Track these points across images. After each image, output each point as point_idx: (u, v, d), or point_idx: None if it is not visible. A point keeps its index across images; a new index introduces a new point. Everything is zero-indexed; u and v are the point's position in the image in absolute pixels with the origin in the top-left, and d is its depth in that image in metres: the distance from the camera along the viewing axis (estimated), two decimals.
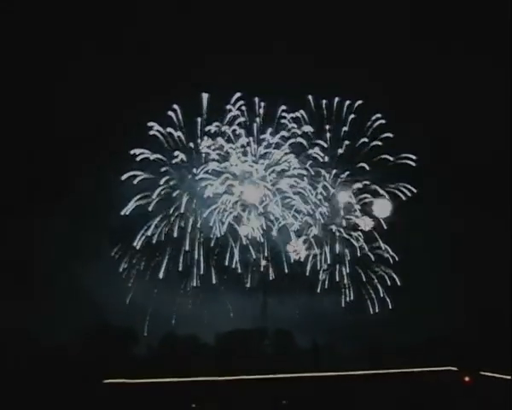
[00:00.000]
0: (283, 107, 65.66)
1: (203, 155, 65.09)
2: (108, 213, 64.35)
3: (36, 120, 65.93)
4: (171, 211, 64.77)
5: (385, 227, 66.88)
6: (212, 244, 64.40)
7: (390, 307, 66.92)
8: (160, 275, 64.12)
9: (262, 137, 65.62)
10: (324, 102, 66.64)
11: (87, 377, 57.46)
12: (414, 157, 66.94)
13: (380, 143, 67.20)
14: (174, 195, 65.07)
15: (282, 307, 67.26)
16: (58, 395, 55.33)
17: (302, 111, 66.16)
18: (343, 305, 67.14)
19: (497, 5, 64.17)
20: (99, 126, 65.27)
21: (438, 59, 68.78)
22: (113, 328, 64.43)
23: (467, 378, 57.61)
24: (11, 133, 64.46)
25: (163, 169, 64.74)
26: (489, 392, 55.28)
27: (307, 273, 66.08)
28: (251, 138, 65.36)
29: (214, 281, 65.10)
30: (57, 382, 56.55)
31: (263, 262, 65.70)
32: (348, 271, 66.76)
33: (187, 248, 64.38)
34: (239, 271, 65.08)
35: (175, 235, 64.51)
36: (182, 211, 64.41)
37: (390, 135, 67.09)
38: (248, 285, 65.60)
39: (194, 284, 64.83)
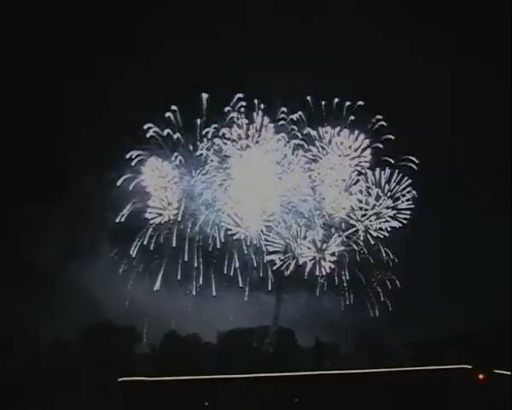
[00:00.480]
0: (283, 108, 65.39)
1: (202, 157, 64.85)
2: (108, 214, 64.39)
3: (36, 121, 65.97)
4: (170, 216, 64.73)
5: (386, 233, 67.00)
6: (210, 249, 64.27)
7: (390, 309, 66.78)
8: (158, 285, 64.01)
9: (261, 138, 65.06)
10: (324, 102, 66.29)
11: (93, 376, 57.80)
12: (415, 160, 66.72)
13: (381, 146, 67.01)
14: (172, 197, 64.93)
15: (284, 306, 67.51)
16: (59, 395, 55.76)
17: (301, 113, 65.84)
18: (343, 308, 67.02)
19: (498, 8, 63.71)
20: (99, 127, 65.32)
21: (438, 60, 68.66)
22: (113, 328, 64.55)
23: (481, 376, 57.58)
24: (10, 133, 64.48)
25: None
26: (502, 390, 55.06)
27: (305, 277, 65.93)
28: (250, 140, 64.85)
29: (214, 293, 65.08)
30: (57, 382, 56.84)
31: (277, 262, 65.41)
32: (348, 274, 66.56)
33: (185, 254, 64.00)
34: (239, 277, 64.91)
35: (174, 238, 64.30)
36: (180, 214, 64.27)
37: (391, 137, 66.78)
38: (247, 293, 65.54)
39: (194, 293, 64.79)
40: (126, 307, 62.88)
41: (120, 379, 56.66)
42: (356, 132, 66.37)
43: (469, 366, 57.53)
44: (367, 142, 66.62)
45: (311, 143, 66.52)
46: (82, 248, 65.67)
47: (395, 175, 66.60)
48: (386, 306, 66.69)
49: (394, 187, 66.88)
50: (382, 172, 66.78)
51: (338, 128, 66.42)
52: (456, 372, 57.01)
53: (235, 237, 64.06)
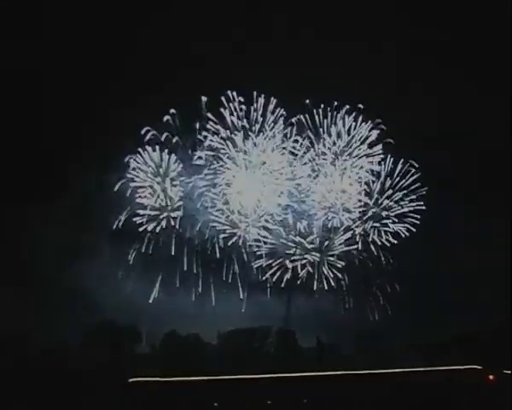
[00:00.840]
0: (282, 112, 65.09)
1: (201, 159, 64.71)
2: (108, 215, 64.47)
3: (35, 121, 65.95)
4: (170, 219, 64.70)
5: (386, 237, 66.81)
6: (209, 252, 64.38)
7: (389, 313, 66.91)
8: (156, 294, 64.23)
9: (260, 141, 64.96)
10: (322, 106, 66.05)
11: (93, 376, 58.14)
12: (415, 164, 66.54)
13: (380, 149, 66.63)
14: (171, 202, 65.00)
15: (284, 306, 67.75)
16: (58, 396, 56.09)
17: (300, 116, 65.62)
18: (342, 312, 67.20)
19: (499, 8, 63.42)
20: (98, 128, 65.33)
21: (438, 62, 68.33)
22: (113, 328, 64.78)
23: (491, 377, 57.83)
24: (10, 133, 64.51)
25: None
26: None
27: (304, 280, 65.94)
28: (249, 142, 64.71)
29: (214, 303, 65.14)
30: (58, 382, 57.14)
31: (288, 264, 65.37)
32: (347, 278, 66.59)
33: (185, 257, 64.14)
34: (238, 281, 65.17)
35: (173, 241, 64.50)
36: (179, 218, 64.30)
37: (391, 141, 66.66)
38: (245, 300, 65.63)
39: (193, 299, 64.92)
40: (126, 308, 62.95)
41: (131, 380, 57.44)
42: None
43: (479, 367, 57.83)
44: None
45: (311, 144, 66.66)
46: (82, 248, 65.75)
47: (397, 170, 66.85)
48: (385, 309, 67.01)
49: (395, 185, 66.96)
50: (382, 165, 66.91)
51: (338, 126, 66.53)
52: (466, 373, 57.28)
53: (233, 240, 64.20)
